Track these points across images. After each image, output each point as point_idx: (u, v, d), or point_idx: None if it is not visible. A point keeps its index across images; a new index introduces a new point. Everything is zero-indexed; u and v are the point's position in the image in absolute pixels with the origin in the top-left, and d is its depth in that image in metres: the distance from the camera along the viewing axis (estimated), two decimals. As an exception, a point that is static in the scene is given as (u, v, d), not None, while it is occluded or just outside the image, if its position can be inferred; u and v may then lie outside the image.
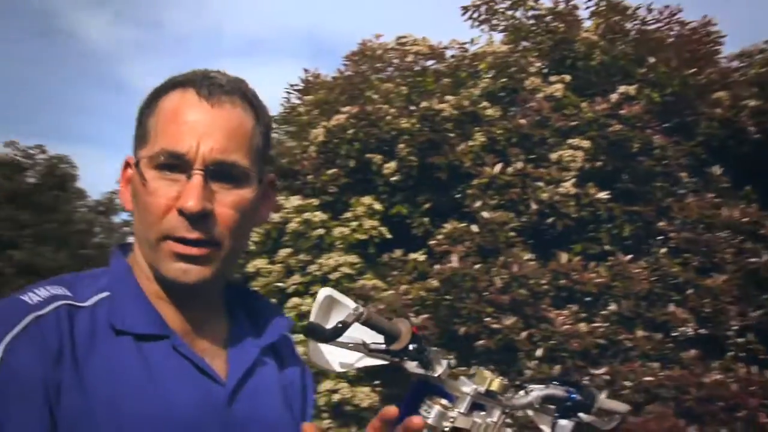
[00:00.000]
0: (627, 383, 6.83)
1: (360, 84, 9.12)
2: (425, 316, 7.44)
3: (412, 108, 8.21)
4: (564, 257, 7.22)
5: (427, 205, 8.30)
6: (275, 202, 1.44)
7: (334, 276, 8.43)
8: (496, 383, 1.66)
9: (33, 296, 1.18)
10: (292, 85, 10.25)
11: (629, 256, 7.18)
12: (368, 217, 8.46)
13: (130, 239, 1.42)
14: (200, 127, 1.21)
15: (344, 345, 1.66)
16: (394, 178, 8.43)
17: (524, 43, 8.60)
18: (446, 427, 1.51)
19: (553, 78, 7.91)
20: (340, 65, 10.05)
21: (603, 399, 2.02)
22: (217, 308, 1.36)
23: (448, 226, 7.84)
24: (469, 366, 7.46)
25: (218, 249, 1.24)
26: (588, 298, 7.27)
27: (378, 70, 9.27)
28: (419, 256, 8.07)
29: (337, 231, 8.57)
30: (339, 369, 1.61)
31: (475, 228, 7.47)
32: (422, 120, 8.11)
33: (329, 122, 8.63)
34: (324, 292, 1.65)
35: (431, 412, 1.56)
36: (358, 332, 1.75)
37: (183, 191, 1.19)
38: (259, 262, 8.96)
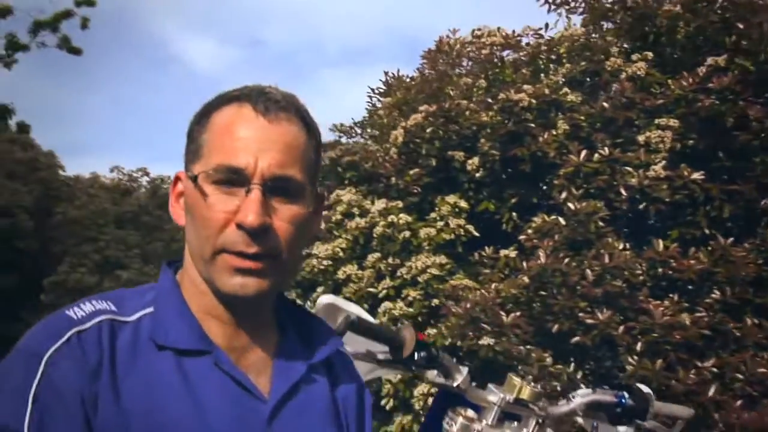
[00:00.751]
0: (738, 375, 6.40)
1: (437, 81, 8.98)
2: (517, 314, 7.23)
3: (489, 101, 7.99)
4: (660, 244, 6.84)
5: (513, 200, 8.06)
6: (322, 217, 1.49)
7: (423, 278, 8.32)
8: (527, 391, 1.56)
9: (78, 311, 1.21)
10: (373, 89, 10.21)
11: (731, 239, 6.72)
12: (454, 216, 8.31)
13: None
14: (258, 142, 1.22)
15: (356, 355, 1.58)
16: (477, 174, 8.24)
17: (604, 24, 8.24)
18: None
19: (634, 57, 7.52)
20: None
21: (660, 403, 1.81)
22: (268, 323, 1.38)
23: (537, 220, 7.58)
24: (566, 364, 7.19)
25: (275, 262, 1.25)
26: (689, 287, 6.86)
27: (455, 66, 9.11)
28: (510, 253, 7.86)
29: (424, 232, 8.47)
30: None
31: (562, 220, 7.18)
32: (502, 112, 7.88)
33: (407, 122, 8.53)
34: (324, 299, 1.63)
35: (454, 424, 1.48)
36: (365, 342, 1.65)
37: (242, 206, 1.21)
38: (349, 269, 8.97)
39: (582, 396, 1.76)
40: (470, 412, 1.52)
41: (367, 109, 9.97)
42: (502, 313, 7.24)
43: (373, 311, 9.00)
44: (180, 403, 1.18)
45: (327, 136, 11.46)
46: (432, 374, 1.59)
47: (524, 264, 7.35)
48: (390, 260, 8.67)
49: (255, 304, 1.30)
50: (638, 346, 6.64)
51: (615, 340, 6.75)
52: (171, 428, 1.17)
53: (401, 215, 8.54)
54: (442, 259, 8.26)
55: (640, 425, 1.85)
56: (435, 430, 1.52)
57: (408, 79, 9.41)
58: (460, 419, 1.50)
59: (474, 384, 1.59)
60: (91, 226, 13.16)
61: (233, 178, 1.23)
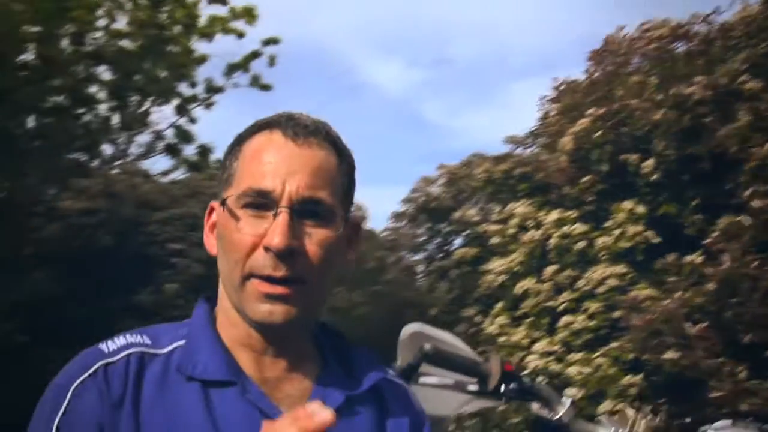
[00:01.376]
0: None
1: (606, 82, 8.59)
2: (704, 324, 6.73)
3: (661, 97, 7.53)
4: None
5: (695, 202, 7.53)
6: (360, 246, 1.47)
7: (602, 289, 7.98)
8: (642, 425, 1.41)
9: (110, 344, 1.27)
10: (544, 97, 9.98)
11: None
12: (632, 223, 7.91)
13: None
14: (286, 166, 1.24)
15: (443, 387, 1.53)
16: (654, 177, 7.79)
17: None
18: None
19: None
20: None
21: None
22: (307, 355, 1.35)
23: (722, 221, 7.03)
24: (763, 381, 6.56)
25: (304, 287, 1.23)
26: None
27: (623, 64, 8.67)
28: (696, 258, 7.34)
29: (600, 241, 8.13)
30: (437, 413, 1.52)
31: (749, 220, 6.60)
32: (675, 108, 7.41)
33: (575, 128, 8.23)
34: (409, 328, 1.55)
35: None
36: (452, 373, 1.59)
37: (270, 229, 1.20)
38: (527, 283, 8.78)
39: (716, 430, 1.55)
40: None
41: (538, 118, 9.75)
42: (688, 323, 6.77)
43: (553, 326, 8.76)
44: None
45: (501, 149, 11.34)
46: (535, 406, 1.50)
47: (709, 270, 6.83)
48: (568, 272, 8.41)
49: (285, 333, 1.28)
50: None
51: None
52: None
53: (576, 225, 8.25)
54: (621, 268, 7.87)
55: None
56: None
57: (576, 83, 9.09)
58: None
59: (575, 415, 1.51)
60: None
61: (261, 202, 1.22)
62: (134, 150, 21.15)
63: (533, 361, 8.08)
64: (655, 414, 1.32)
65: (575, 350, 8.30)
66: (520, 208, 8.99)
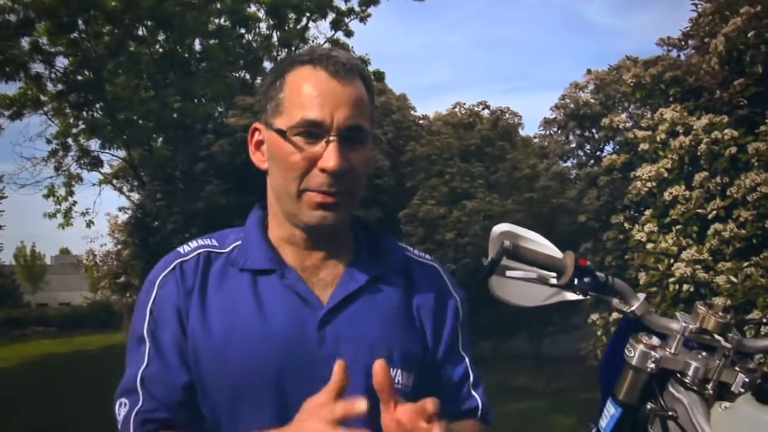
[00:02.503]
0: None
1: (763, -24, 8.10)
2: None
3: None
4: None
5: None
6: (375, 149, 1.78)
7: (752, 197, 7.78)
8: (712, 321, 1.46)
9: (186, 247, 1.63)
10: (698, -6, 9.53)
11: None
12: (787, 127, 7.59)
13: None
14: (333, 100, 1.54)
15: (527, 280, 1.60)
16: (813, 77, 7.42)
17: None
18: (649, 367, 1.47)
19: None
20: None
21: None
22: (342, 245, 1.66)
23: None
24: None
25: (349, 197, 1.59)
26: None
27: (785, -45, 8.11)
28: None
29: (752, 147, 7.88)
30: (524, 303, 1.64)
31: None
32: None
33: (727, 28, 7.92)
34: (499, 227, 1.61)
35: (634, 351, 1.48)
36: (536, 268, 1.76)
37: (323, 153, 1.51)
38: (676, 189, 8.68)
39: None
40: (654, 340, 1.48)
41: (690, 18, 9.37)
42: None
43: (702, 233, 8.65)
44: (250, 313, 1.51)
45: (653, 51, 10.98)
46: (615, 301, 1.54)
47: None
48: (718, 179, 8.24)
49: (333, 231, 1.59)
50: None
51: None
52: (240, 333, 1.49)
53: (726, 131, 8.02)
54: (775, 175, 7.63)
55: None
56: (617, 356, 1.54)
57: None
58: (641, 346, 1.47)
59: (654, 311, 1.55)
60: (438, 161, 14.14)
61: (313, 131, 1.51)
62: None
63: (681, 269, 8.06)
64: (726, 312, 1.41)
65: (725, 259, 8.19)
66: (670, 113, 8.80)
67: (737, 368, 1.43)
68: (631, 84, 9.56)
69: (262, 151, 1.63)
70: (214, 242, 1.63)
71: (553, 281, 1.55)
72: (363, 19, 19.57)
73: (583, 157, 12.49)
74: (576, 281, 1.50)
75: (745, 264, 7.93)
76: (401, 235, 12.81)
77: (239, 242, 1.63)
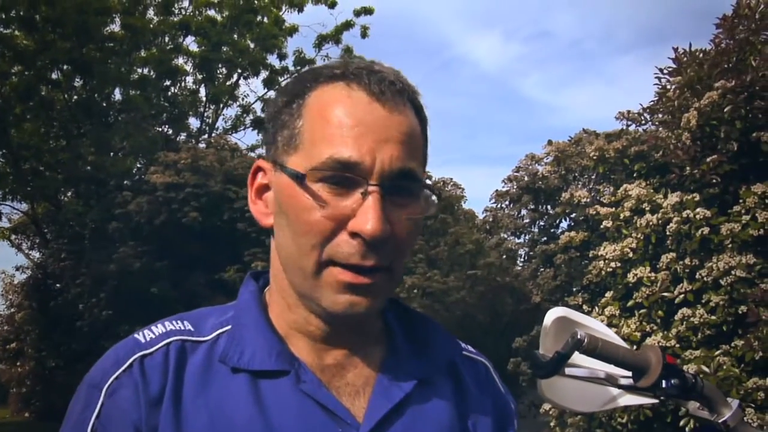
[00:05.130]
0: None
1: (737, 52, 8.17)
2: None
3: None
4: None
5: (838, 186, 7.10)
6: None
7: (726, 280, 7.62)
8: None
9: (147, 334, 1.17)
10: (662, 69, 9.57)
11: None
12: (762, 209, 7.52)
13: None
14: (375, 132, 1.09)
15: (593, 380, 1.41)
16: (790, 158, 7.38)
17: None
18: None
19: None
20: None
21: None
22: (373, 335, 1.24)
23: None
24: None
25: (389, 275, 1.13)
26: None
27: (758, 31, 8.21)
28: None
29: (726, 228, 7.77)
30: (582, 409, 1.48)
31: None
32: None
33: (701, 102, 7.87)
34: (553, 313, 1.42)
35: None
36: (602, 364, 1.50)
37: (358, 210, 1.08)
38: (641, 271, 8.49)
39: None
40: None
41: (656, 92, 9.37)
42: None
43: (668, 319, 8.44)
44: (251, 429, 1.10)
45: (613, 126, 11.01)
46: (693, 406, 1.41)
47: None
48: (687, 261, 8.07)
49: (363, 321, 1.17)
50: None
51: None
52: None
53: (698, 210, 7.89)
54: (749, 258, 7.50)
55: None
56: None
57: (701, 54, 8.67)
58: None
59: (746, 420, 1.43)
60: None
61: (345, 177, 1.08)
62: (222, 124, 21.67)
63: (646, 357, 7.79)
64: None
65: (693, 347, 8.00)
66: (636, 189, 8.68)
67: None
68: (594, 157, 9.45)
69: (266, 200, 1.18)
70: (188, 326, 1.17)
71: (625, 381, 1.38)
72: (298, 81, 19.42)
73: (537, 234, 12.33)
74: (664, 383, 1.32)
75: (717, 352, 7.72)
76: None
77: (227, 327, 1.18)
